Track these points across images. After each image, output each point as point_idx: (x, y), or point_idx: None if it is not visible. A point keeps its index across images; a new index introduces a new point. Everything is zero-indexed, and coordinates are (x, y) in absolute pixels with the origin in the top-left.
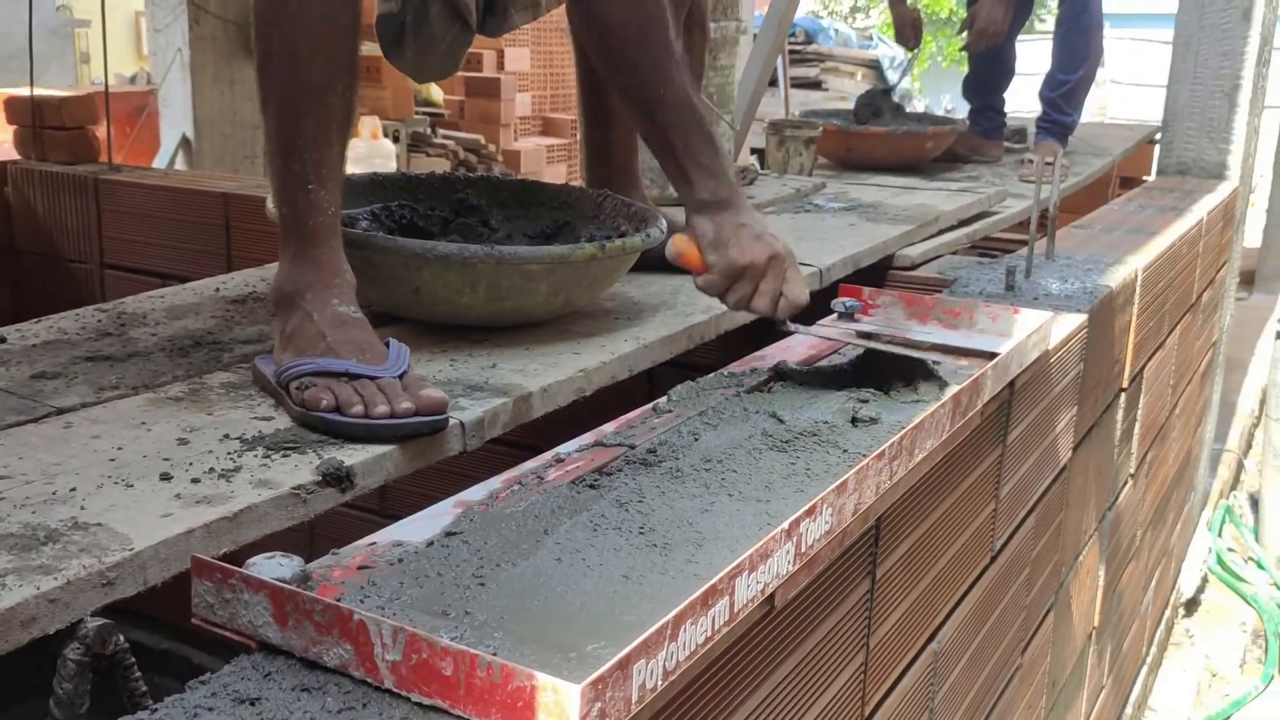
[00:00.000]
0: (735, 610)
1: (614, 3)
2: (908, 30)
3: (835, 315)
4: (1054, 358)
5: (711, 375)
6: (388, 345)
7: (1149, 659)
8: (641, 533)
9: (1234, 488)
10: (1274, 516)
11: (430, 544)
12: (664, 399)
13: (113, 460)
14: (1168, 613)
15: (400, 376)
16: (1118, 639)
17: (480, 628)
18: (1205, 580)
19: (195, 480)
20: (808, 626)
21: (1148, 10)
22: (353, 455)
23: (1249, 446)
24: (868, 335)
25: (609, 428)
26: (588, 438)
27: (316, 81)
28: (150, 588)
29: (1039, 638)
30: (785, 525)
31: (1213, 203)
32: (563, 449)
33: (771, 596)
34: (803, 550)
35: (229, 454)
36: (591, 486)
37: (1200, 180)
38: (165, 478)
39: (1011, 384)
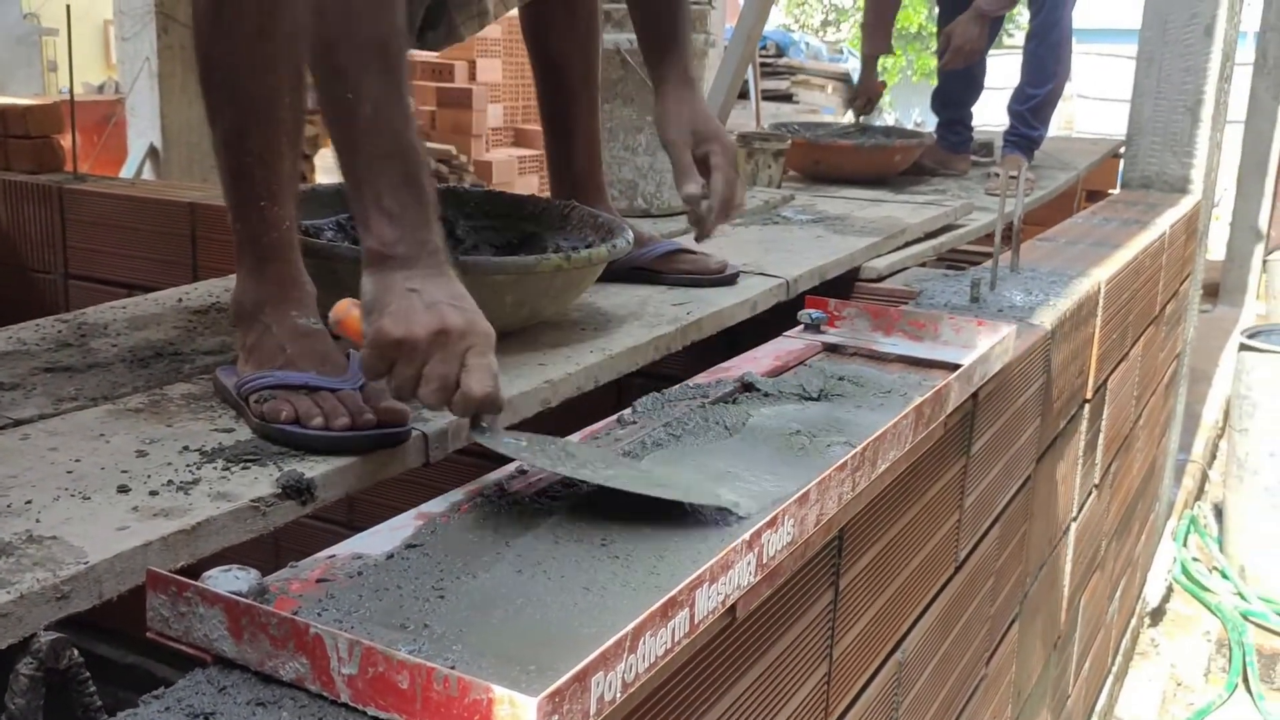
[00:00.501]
0: (696, 622)
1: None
2: (864, 100)
3: (801, 327)
4: (1017, 369)
5: (677, 387)
6: (349, 357)
7: (1114, 669)
8: (603, 544)
9: (1198, 498)
10: (1238, 526)
11: (390, 556)
12: (629, 410)
13: (70, 472)
14: (1133, 622)
15: (361, 388)
16: (1083, 649)
17: (439, 640)
18: (1170, 590)
19: (153, 493)
20: (770, 637)
21: (1115, 26)
22: (314, 467)
23: (1213, 457)
24: (833, 347)
25: (574, 439)
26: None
27: (264, 95)
28: (114, 601)
29: (1004, 648)
30: (746, 536)
31: (1176, 216)
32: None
33: (733, 608)
34: (764, 561)
35: (188, 466)
36: (553, 498)
37: (1164, 194)
38: (123, 490)
39: (975, 395)
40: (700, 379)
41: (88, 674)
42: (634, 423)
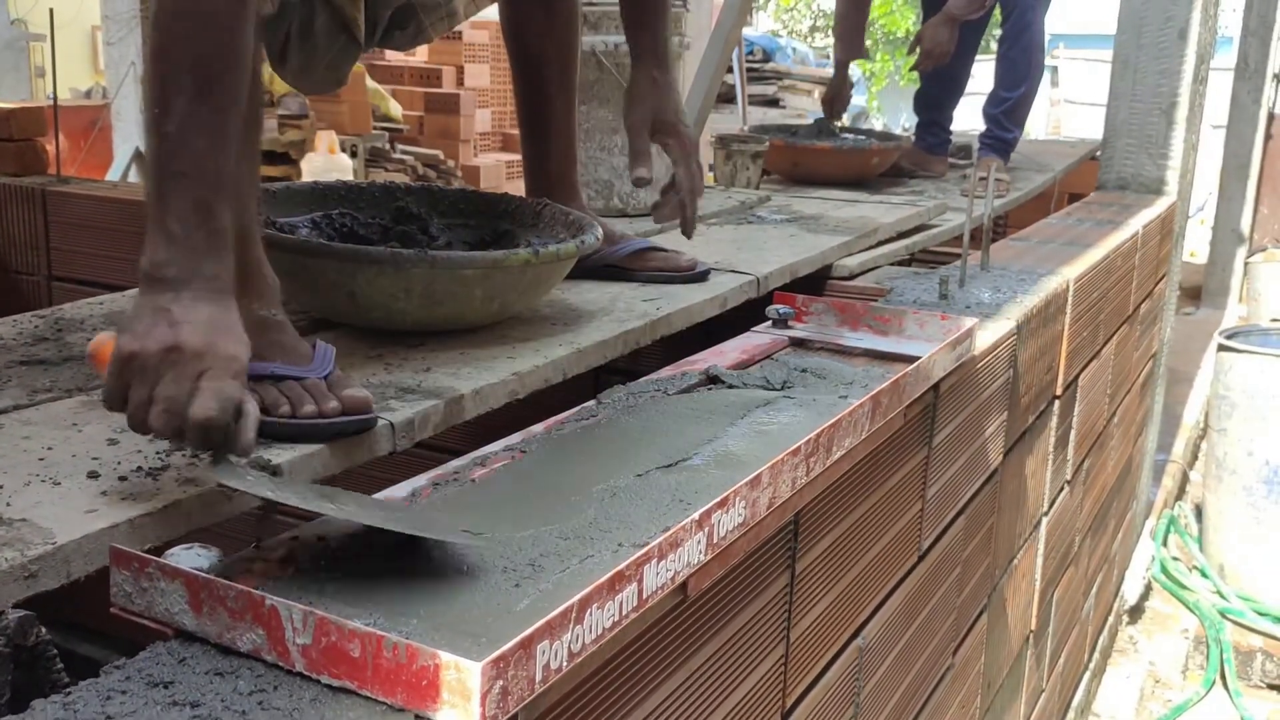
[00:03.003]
0: (644, 597)
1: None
2: (834, 102)
3: (770, 322)
4: (982, 364)
5: (643, 379)
6: (314, 347)
7: (1092, 664)
8: (557, 516)
9: (1179, 498)
10: (1217, 525)
11: (352, 536)
12: (593, 402)
13: (41, 459)
14: (1111, 619)
15: (326, 377)
16: (1057, 643)
17: (396, 615)
18: (1149, 588)
19: (122, 478)
20: (724, 616)
21: (1102, 31)
22: (280, 454)
23: (1194, 458)
24: (800, 341)
25: (538, 428)
26: (514, 438)
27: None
28: (104, 601)
29: (971, 638)
30: (696, 515)
31: (1150, 216)
32: (487, 449)
33: (684, 585)
34: (715, 540)
35: (158, 454)
36: (512, 479)
37: (1139, 195)
38: (93, 476)
39: (936, 387)
40: (666, 372)
41: (55, 651)
42: (594, 416)
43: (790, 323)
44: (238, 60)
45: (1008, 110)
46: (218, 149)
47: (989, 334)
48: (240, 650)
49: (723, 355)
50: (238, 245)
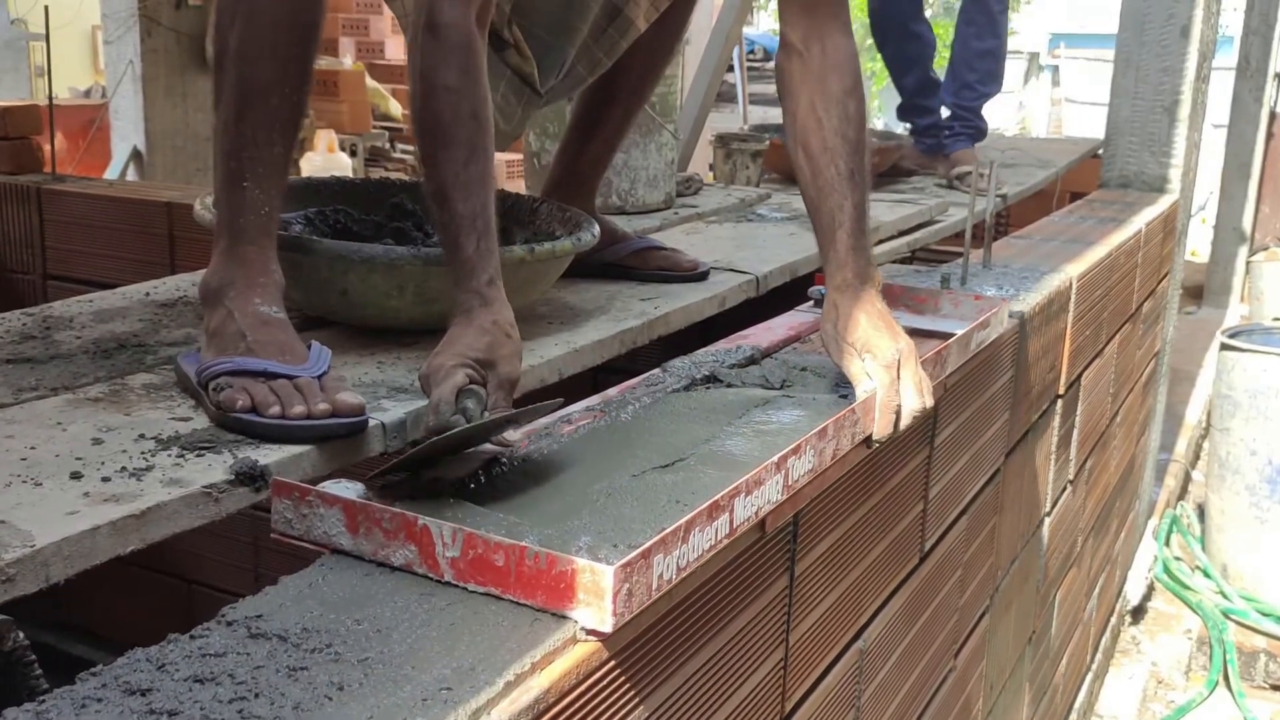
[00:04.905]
0: (734, 526)
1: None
2: None
3: (811, 303)
4: (984, 361)
5: (701, 351)
6: (309, 347)
7: (1094, 665)
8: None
9: (1181, 498)
10: (1219, 525)
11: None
12: (658, 370)
13: (24, 459)
14: (1113, 620)
15: (319, 378)
16: (1060, 644)
17: (529, 534)
18: (1152, 588)
19: (106, 479)
20: (721, 620)
21: (1104, 31)
22: (268, 455)
23: (1197, 457)
24: None
25: (613, 392)
26: (594, 399)
27: (262, 81)
28: (101, 605)
29: (974, 640)
30: (775, 459)
31: (1152, 214)
32: (573, 408)
33: (763, 522)
34: (789, 482)
35: (143, 453)
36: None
37: (1141, 193)
38: (75, 476)
39: (942, 383)
40: (721, 345)
41: (33, 656)
42: (662, 383)
43: None
44: (289, 73)
45: (982, 104)
46: (245, 139)
47: (991, 332)
48: (393, 565)
49: (771, 331)
50: (253, 235)
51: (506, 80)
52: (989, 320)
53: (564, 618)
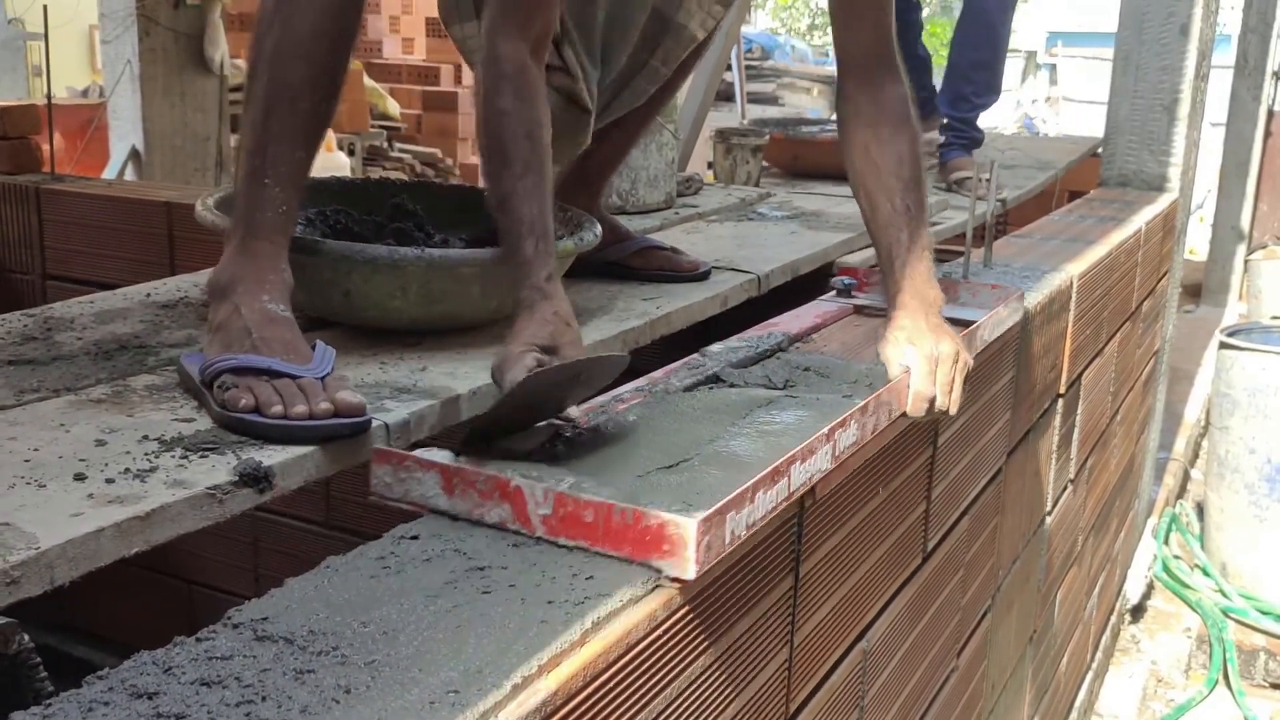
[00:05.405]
0: (792, 490)
1: None
2: None
3: (834, 292)
4: (987, 360)
5: (733, 339)
6: (314, 347)
7: (1094, 664)
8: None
9: (1180, 496)
10: (1218, 524)
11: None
12: (698, 355)
13: (27, 461)
14: (1113, 619)
15: (323, 378)
16: (1060, 643)
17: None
18: (1151, 587)
19: (110, 480)
20: (727, 620)
21: (1102, 29)
22: (272, 456)
23: (1196, 456)
24: (862, 308)
25: (659, 374)
26: (641, 381)
27: (293, 85)
28: (103, 606)
29: (976, 640)
30: (826, 429)
31: (1152, 213)
32: (623, 389)
33: (814, 488)
34: (837, 453)
35: (146, 455)
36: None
37: (1141, 192)
38: (79, 478)
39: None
40: (752, 332)
41: (38, 659)
42: (702, 367)
43: (854, 292)
44: (318, 71)
45: (978, 114)
46: (269, 134)
47: (992, 331)
48: (487, 523)
49: (800, 319)
50: (268, 232)
51: (553, 101)
52: (1008, 307)
53: (648, 567)
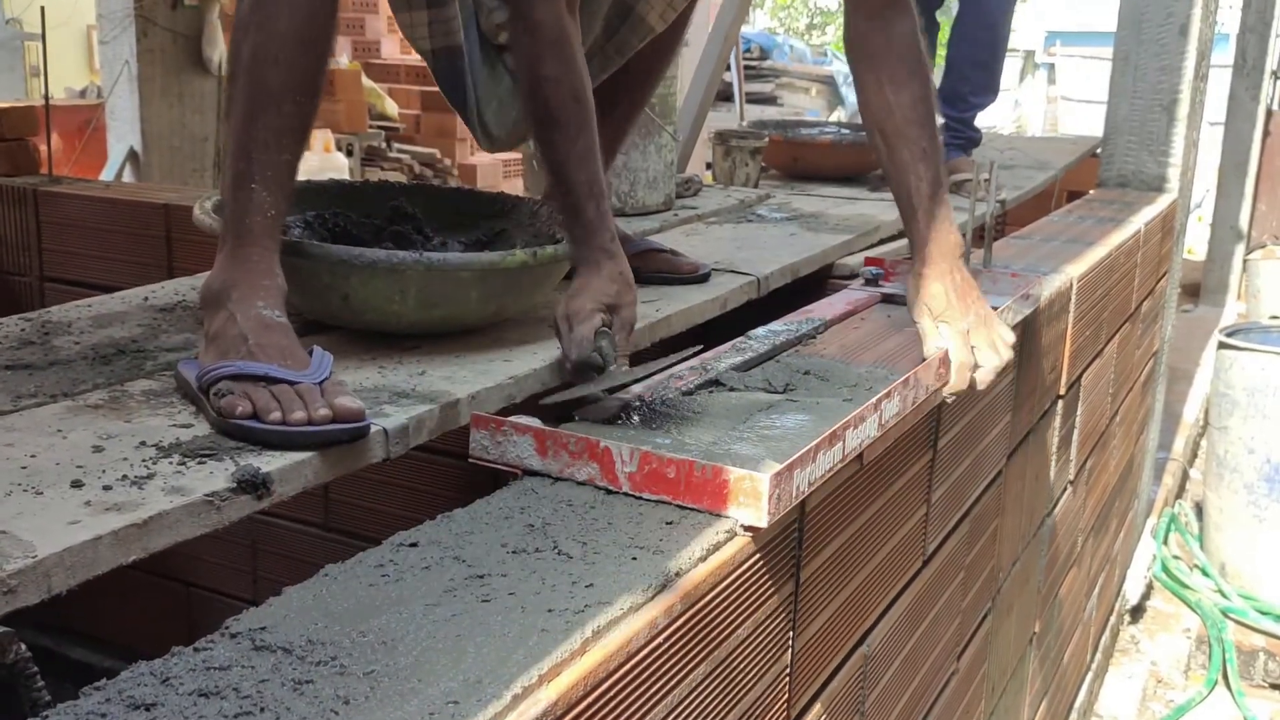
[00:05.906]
0: (846, 452)
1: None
2: None
3: (862, 281)
4: None
5: (762, 328)
6: (311, 353)
7: (1094, 665)
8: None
9: (1179, 496)
10: (1218, 524)
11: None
12: (742, 338)
13: (24, 468)
14: (1113, 619)
15: (321, 383)
16: (1060, 645)
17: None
18: (1150, 587)
19: (107, 488)
20: (727, 628)
21: (1101, 29)
22: (270, 462)
23: (1194, 456)
24: (890, 297)
25: (709, 355)
26: (692, 359)
27: (272, 89)
28: (101, 609)
29: (976, 642)
30: (873, 400)
31: (1151, 214)
32: (679, 367)
33: (861, 455)
34: (883, 421)
35: (144, 461)
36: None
37: (1140, 192)
38: (77, 485)
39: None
40: (792, 318)
41: (35, 669)
42: (747, 348)
43: (880, 282)
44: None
45: (975, 115)
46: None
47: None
48: (577, 480)
49: (831, 307)
50: (258, 236)
51: (504, 85)
52: (1032, 292)
53: (723, 517)
